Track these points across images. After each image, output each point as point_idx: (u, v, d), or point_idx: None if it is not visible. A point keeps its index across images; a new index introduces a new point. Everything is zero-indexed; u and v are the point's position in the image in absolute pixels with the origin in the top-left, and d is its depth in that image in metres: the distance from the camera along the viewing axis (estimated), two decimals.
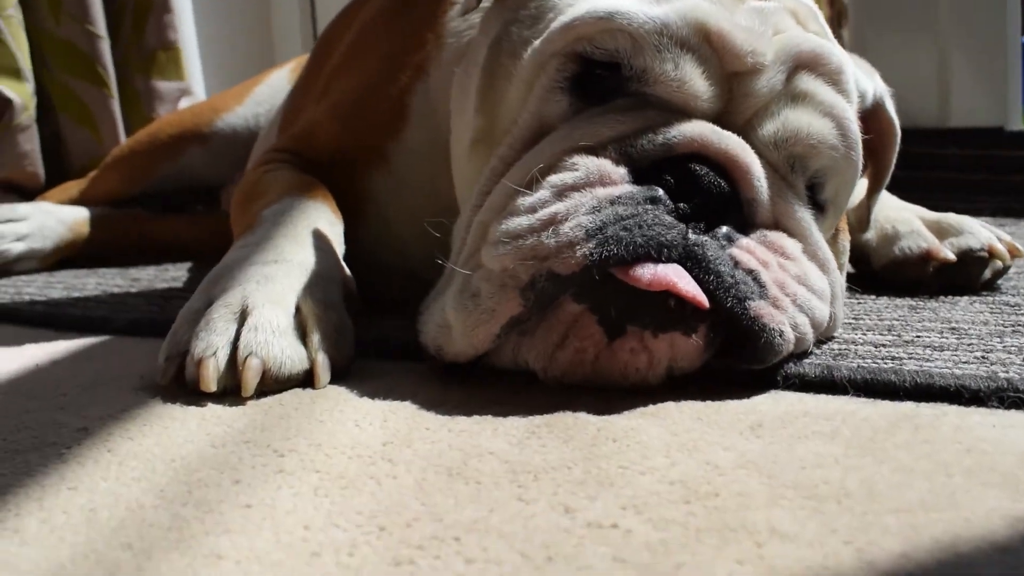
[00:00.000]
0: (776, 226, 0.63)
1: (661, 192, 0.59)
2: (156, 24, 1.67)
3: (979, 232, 0.87)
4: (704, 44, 0.62)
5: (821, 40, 0.67)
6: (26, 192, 1.54)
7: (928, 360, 0.61)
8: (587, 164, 0.60)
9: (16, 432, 0.55)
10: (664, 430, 0.51)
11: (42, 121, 1.57)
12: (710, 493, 0.42)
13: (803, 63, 0.65)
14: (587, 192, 0.59)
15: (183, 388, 0.62)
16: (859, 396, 0.57)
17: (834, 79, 0.66)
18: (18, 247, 1.36)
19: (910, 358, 0.62)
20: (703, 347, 0.58)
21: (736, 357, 0.59)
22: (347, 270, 0.76)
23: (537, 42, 0.66)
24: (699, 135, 0.60)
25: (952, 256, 0.85)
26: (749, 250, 0.60)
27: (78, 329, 0.92)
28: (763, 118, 0.64)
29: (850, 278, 0.85)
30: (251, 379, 0.61)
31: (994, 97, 1.49)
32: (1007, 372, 0.57)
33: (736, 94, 0.63)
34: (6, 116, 1.46)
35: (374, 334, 0.73)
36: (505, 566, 0.36)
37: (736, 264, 0.59)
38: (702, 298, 0.56)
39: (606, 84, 0.64)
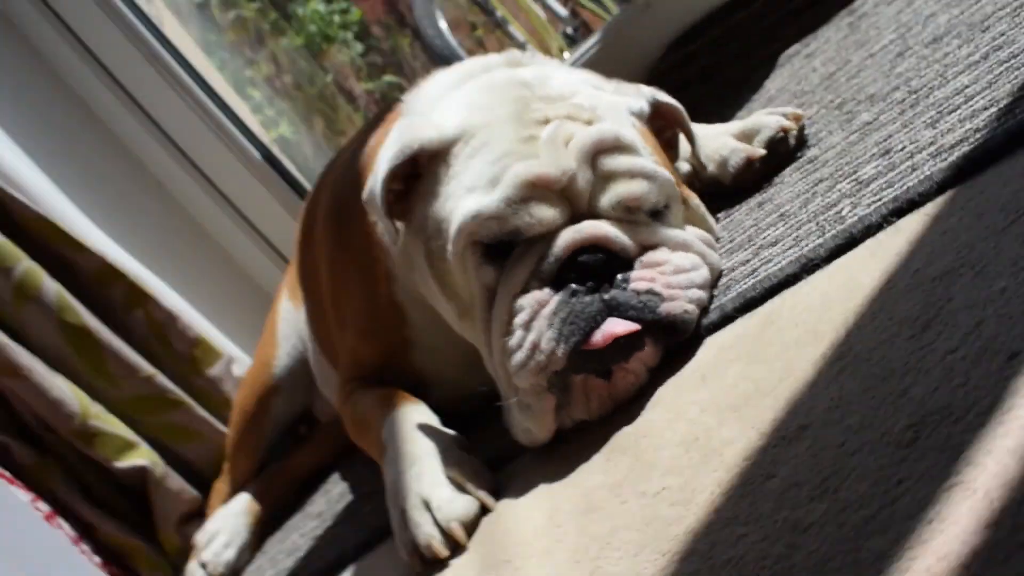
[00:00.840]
0: (645, 249, 1.01)
1: (574, 286, 0.97)
2: (176, 334, 2.06)
3: (769, 121, 1.23)
4: (533, 189, 0.99)
5: (596, 128, 1.02)
6: (198, 513, 1.94)
7: (770, 260, 0.99)
8: (527, 301, 0.98)
9: None
10: (662, 411, 0.90)
11: (164, 457, 1.97)
12: (693, 439, 0.81)
13: (596, 151, 1.01)
14: (539, 317, 0.97)
15: (428, 563, 1.02)
16: (743, 314, 0.95)
17: (619, 147, 1.02)
18: (230, 553, 1.76)
19: (761, 263, 1.00)
20: (654, 348, 0.97)
21: (674, 337, 0.98)
22: (450, 431, 1.15)
23: (449, 246, 1.04)
24: (568, 241, 0.98)
25: (763, 151, 1.22)
26: (639, 278, 0.98)
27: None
28: (597, 198, 1.01)
29: (719, 196, 1.23)
30: (460, 535, 1.00)
31: None
32: (808, 246, 0.95)
33: (571, 196, 1.01)
34: (150, 480, 1.87)
35: (491, 452, 1.12)
36: (632, 544, 0.75)
37: (637, 292, 0.97)
38: (633, 326, 0.95)
39: (503, 246, 1.01)
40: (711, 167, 1.26)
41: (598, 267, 0.98)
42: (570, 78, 1.14)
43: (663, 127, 1.17)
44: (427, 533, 1.02)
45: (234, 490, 1.88)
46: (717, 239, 1.14)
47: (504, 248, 1.02)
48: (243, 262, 2.45)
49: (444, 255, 1.05)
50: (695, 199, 1.16)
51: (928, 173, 0.88)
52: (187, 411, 1.99)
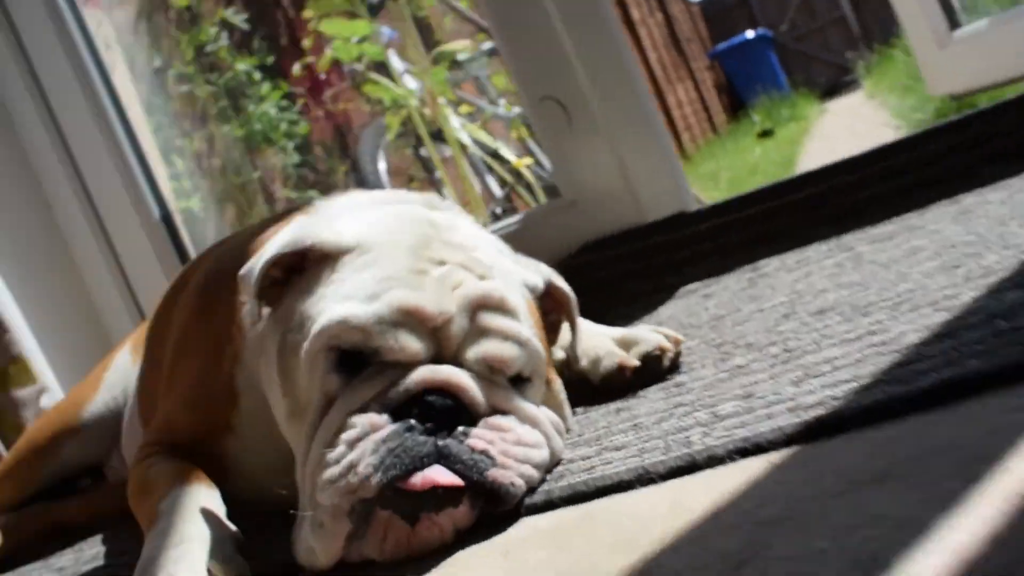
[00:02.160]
0: (495, 411, 0.98)
1: (413, 421, 0.93)
2: None
3: (650, 337, 1.25)
4: (408, 317, 0.97)
5: (486, 284, 1.02)
6: None
7: (610, 462, 0.97)
8: (361, 420, 0.93)
9: None
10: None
11: None
12: None
13: (478, 304, 1.00)
14: (367, 440, 0.92)
15: None
16: (568, 505, 0.91)
17: (501, 306, 1.01)
18: None
19: (601, 463, 0.98)
20: (469, 510, 0.92)
21: (494, 506, 0.93)
22: (232, 526, 1.07)
23: (306, 344, 1.00)
24: (423, 377, 0.95)
25: (636, 362, 1.22)
26: (478, 436, 0.94)
27: None
28: (465, 348, 0.99)
29: (583, 392, 1.22)
30: None
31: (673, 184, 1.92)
32: (650, 458, 0.93)
33: (442, 338, 0.98)
34: None
35: (265, 561, 1.04)
36: None
37: (472, 450, 0.93)
38: (457, 481, 0.90)
39: (359, 360, 0.97)
40: (584, 362, 1.26)
41: (443, 412, 0.94)
42: (478, 234, 1.14)
43: (550, 309, 1.17)
44: None
45: None
46: (568, 430, 1.13)
47: (357, 363, 0.98)
48: (100, 304, 2.34)
49: (298, 350, 1.01)
50: (558, 384, 1.15)
51: (781, 424, 0.88)
52: None
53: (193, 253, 2.36)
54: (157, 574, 0.97)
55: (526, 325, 1.03)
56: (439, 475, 0.90)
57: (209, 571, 0.97)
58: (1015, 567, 0.54)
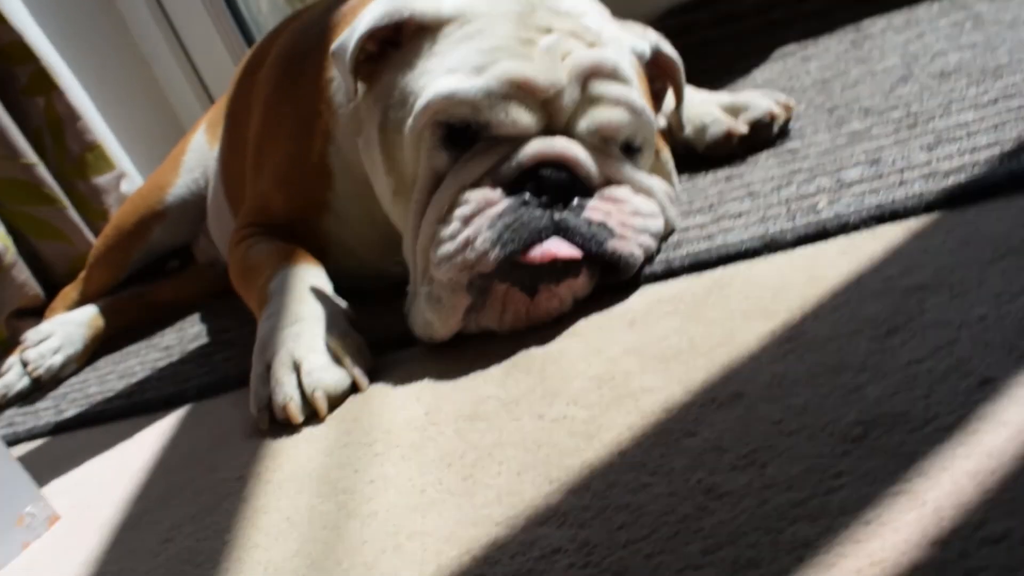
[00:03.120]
0: (609, 182, 0.94)
1: (528, 195, 0.90)
2: (73, 133, 1.90)
3: (760, 103, 1.18)
4: (518, 90, 0.92)
5: (597, 52, 0.95)
6: (36, 311, 1.81)
7: (730, 230, 0.94)
8: (475, 196, 0.90)
9: (202, 495, 0.87)
10: (580, 343, 0.84)
11: (19, 246, 1.82)
12: (609, 377, 0.75)
13: (590, 73, 0.95)
14: (482, 215, 0.89)
15: (276, 424, 0.94)
16: (690, 274, 0.89)
17: (614, 75, 0.96)
18: (57, 359, 1.65)
19: (720, 231, 0.95)
20: (588, 280, 0.91)
21: (612, 276, 0.92)
22: (343, 302, 1.07)
23: (410, 120, 0.96)
24: (536, 151, 0.91)
25: (745, 129, 1.17)
26: (595, 208, 0.92)
27: (158, 409, 1.22)
28: (577, 119, 0.94)
29: (687, 161, 1.18)
30: (322, 405, 0.92)
31: None
32: (775, 226, 0.90)
33: (553, 110, 0.93)
34: None
35: (379, 334, 1.05)
36: (516, 462, 0.69)
37: (589, 222, 0.90)
38: (576, 253, 0.88)
39: (467, 135, 0.94)
40: (689, 129, 1.21)
41: (558, 185, 0.90)
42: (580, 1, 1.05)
43: (656, 76, 1.11)
44: (287, 394, 0.94)
45: (83, 300, 1.76)
46: (678, 198, 1.09)
47: (465, 138, 0.94)
48: (167, 87, 2.30)
49: (401, 127, 0.97)
50: (667, 152, 1.10)
51: (918, 191, 0.84)
52: (60, 211, 1.85)
53: (251, 27, 2.28)
54: (278, 352, 0.98)
55: (637, 92, 0.98)
56: (558, 247, 0.88)
57: (329, 347, 0.98)
58: None
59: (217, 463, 0.93)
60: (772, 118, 1.17)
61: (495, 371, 0.86)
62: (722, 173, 1.14)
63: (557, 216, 0.90)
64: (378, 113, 1.01)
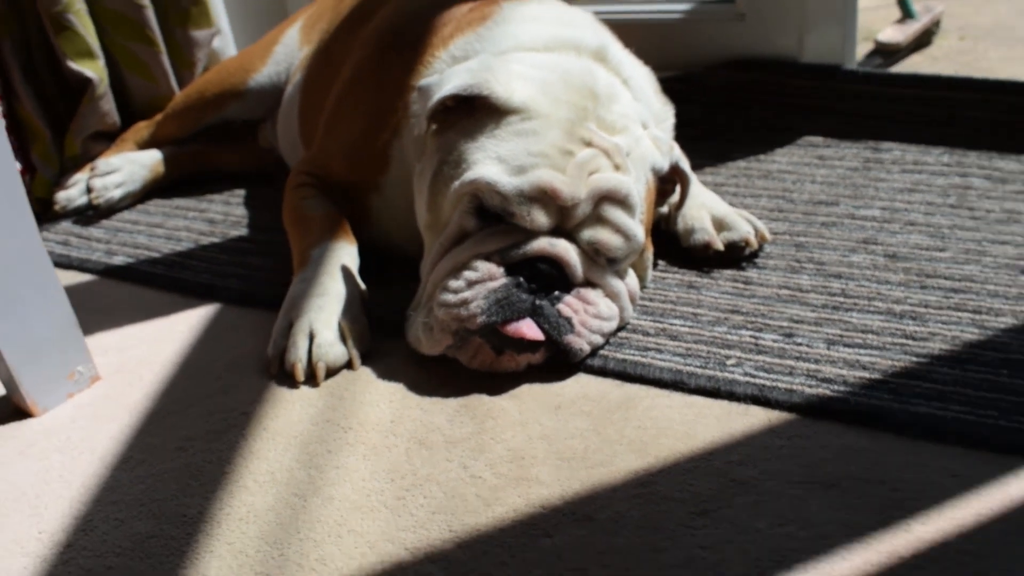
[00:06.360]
0: (588, 284, 1.21)
1: (522, 279, 1.17)
2: None
3: (742, 227, 1.43)
4: (544, 195, 1.17)
5: (618, 177, 1.20)
6: (109, 136, 2.07)
7: (661, 351, 1.21)
8: (483, 267, 1.17)
9: (214, 415, 1.17)
10: (516, 408, 1.13)
11: (111, 77, 2.07)
12: (521, 456, 1.04)
13: (605, 196, 1.19)
14: (483, 285, 1.16)
15: (283, 373, 1.23)
16: (615, 379, 1.17)
17: (624, 203, 1.20)
18: (117, 192, 1.93)
19: (654, 347, 1.22)
20: (543, 355, 1.19)
21: (562, 359, 1.20)
22: (362, 285, 1.35)
23: (456, 183, 1.21)
24: (541, 248, 1.17)
25: (721, 247, 1.42)
26: (568, 303, 1.18)
27: (195, 295, 1.51)
28: (582, 229, 1.20)
29: (672, 249, 1.44)
30: (321, 375, 1.22)
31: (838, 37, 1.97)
32: (688, 366, 1.17)
33: (565, 216, 1.19)
34: (88, 91, 1.98)
35: (382, 313, 1.33)
36: (436, 502, 0.99)
37: (559, 314, 1.18)
38: (540, 337, 1.16)
39: (494, 213, 1.19)
40: (680, 226, 1.46)
41: (548, 277, 1.17)
42: (628, 111, 1.28)
43: (668, 179, 1.35)
44: (299, 355, 1.23)
45: (152, 142, 2.02)
46: (644, 287, 1.35)
47: (494, 215, 1.19)
48: None
49: (449, 183, 1.22)
50: (649, 252, 1.36)
51: (794, 387, 1.11)
52: (155, 54, 2.07)
53: None
54: (301, 318, 1.26)
55: (638, 219, 1.23)
56: (529, 330, 1.15)
57: (340, 326, 1.26)
58: None
59: (231, 386, 1.23)
60: (747, 243, 1.42)
61: (452, 403, 1.15)
62: (687, 278, 1.40)
63: (537, 302, 1.17)
64: (436, 160, 1.26)
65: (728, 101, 2.01)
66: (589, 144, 1.21)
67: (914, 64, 2.75)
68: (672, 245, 1.46)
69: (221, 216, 1.84)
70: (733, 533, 0.91)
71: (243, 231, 1.75)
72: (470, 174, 1.20)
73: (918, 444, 1.01)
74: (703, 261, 1.44)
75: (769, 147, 1.86)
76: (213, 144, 2.07)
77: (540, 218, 1.18)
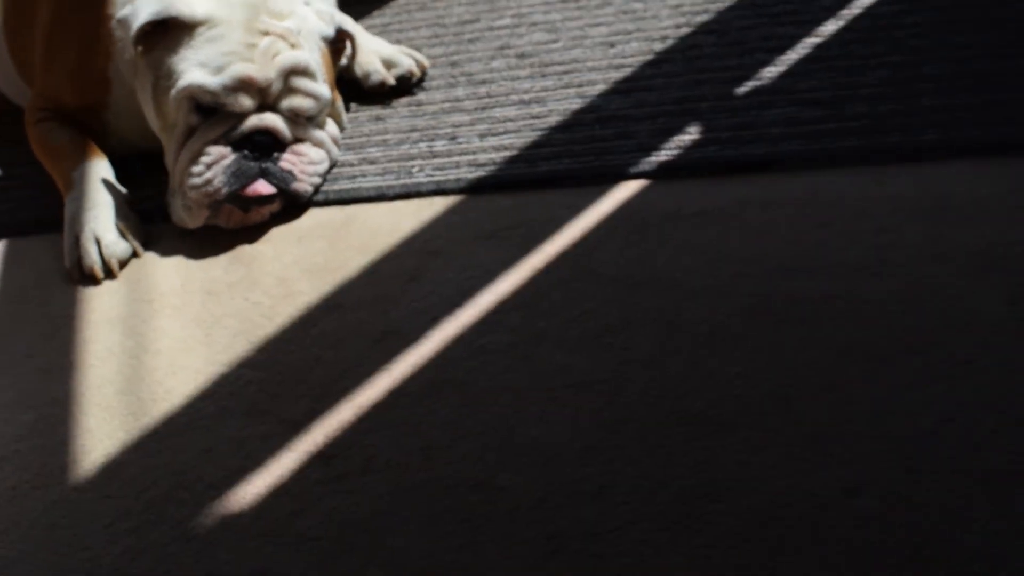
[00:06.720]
0: (297, 140, 1.59)
1: (246, 152, 1.53)
2: None
3: (405, 61, 1.82)
4: (243, 84, 1.52)
5: (296, 53, 1.55)
6: None
7: (364, 175, 1.63)
8: (214, 151, 1.52)
9: (40, 323, 1.51)
10: (270, 249, 1.53)
11: None
12: (283, 279, 1.45)
13: (290, 71, 1.55)
14: (218, 165, 1.52)
15: (85, 277, 1.57)
16: (336, 206, 1.58)
17: (306, 72, 1.57)
18: None
19: (359, 174, 1.63)
20: (280, 205, 1.58)
21: (293, 202, 1.59)
22: (123, 190, 1.66)
23: (173, 92, 1.54)
24: (253, 124, 1.53)
25: (393, 82, 1.81)
26: (286, 160, 1.56)
27: None
28: (280, 101, 1.56)
29: (357, 93, 1.82)
30: (116, 269, 1.56)
31: None
32: (386, 181, 1.59)
33: (265, 95, 1.55)
34: None
35: (149, 205, 1.66)
36: (233, 329, 1.39)
37: (282, 169, 1.56)
38: (272, 190, 1.54)
39: (210, 107, 1.54)
40: (358, 72, 1.84)
41: (265, 145, 1.54)
42: None
43: (339, 40, 1.72)
44: (93, 260, 1.57)
45: None
46: (343, 129, 1.74)
47: (210, 108, 1.53)
48: None
49: (167, 92, 1.55)
50: (339, 102, 1.74)
51: (460, 176, 1.56)
52: None
53: None
54: (83, 228, 1.58)
55: (321, 81, 1.60)
56: (262, 187, 1.54)
57: (117, 226, 1.60)
58: None
59: (47, 300, 1.56)
60: (412, 74, 1.82)
61: (222, 258, 1.53)
62: (374, 112, 1.80)
63: (263, 165, 1.54)
64: (151, 76, 1.57)
65: None
66: (267, 34, 1.56)
67: None
68: (356, 89, 1.84)
69: None
70: (433, 285, 1.37)
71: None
72: (181, 82, 1.53)
73: (545, 193, 1.50)
74: (383, 96, 1.83)
75: None
76: None
77: (246, 102, 1.53)
